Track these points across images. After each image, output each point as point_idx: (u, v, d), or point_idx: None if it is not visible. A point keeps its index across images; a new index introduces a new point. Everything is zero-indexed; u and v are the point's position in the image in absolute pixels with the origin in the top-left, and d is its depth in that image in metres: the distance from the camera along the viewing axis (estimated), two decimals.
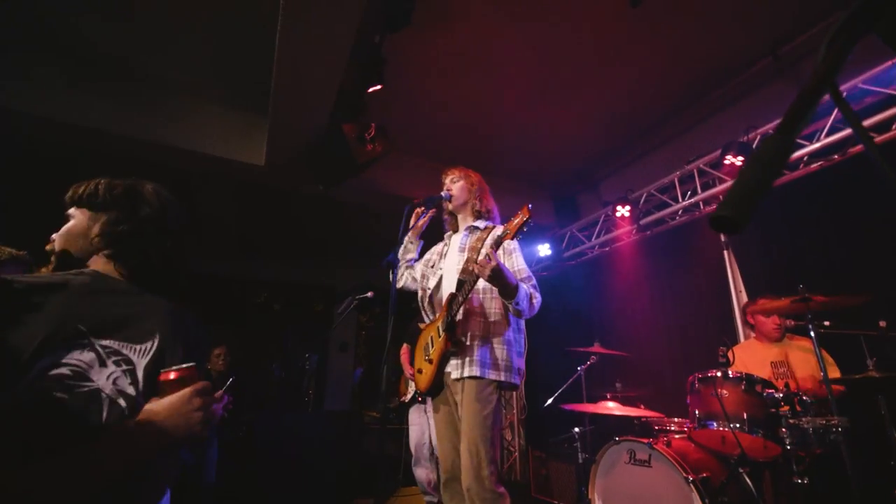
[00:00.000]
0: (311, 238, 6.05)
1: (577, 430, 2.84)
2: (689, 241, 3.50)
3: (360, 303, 3.48)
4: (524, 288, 1.81)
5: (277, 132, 3.56)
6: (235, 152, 3.86)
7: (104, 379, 0.77)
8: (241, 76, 3.54)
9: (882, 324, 1.91)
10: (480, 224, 2.20)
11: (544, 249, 4.58)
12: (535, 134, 4.25)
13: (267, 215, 5.18)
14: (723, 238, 3.43)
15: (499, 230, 2.08)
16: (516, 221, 1.75)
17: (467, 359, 1.87)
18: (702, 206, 3.39)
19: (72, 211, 0.99)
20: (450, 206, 2.25)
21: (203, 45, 3.24)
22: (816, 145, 2.64)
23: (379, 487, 3.73)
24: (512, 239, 1.81)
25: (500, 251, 1.97)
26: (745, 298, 3.20)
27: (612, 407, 2.57)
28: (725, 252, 3.39)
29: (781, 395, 1.89)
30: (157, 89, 3.60)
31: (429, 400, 3.36)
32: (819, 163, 2.69)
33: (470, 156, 4.60)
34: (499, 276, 1.70)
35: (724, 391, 1.97)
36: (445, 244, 2.29)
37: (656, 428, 2.57)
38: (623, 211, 3.67)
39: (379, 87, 3.17)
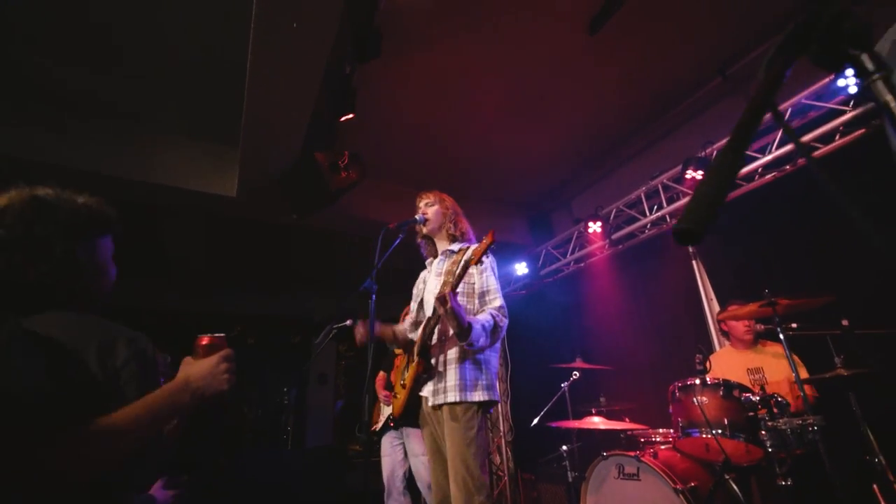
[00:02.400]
0: (285, 268, 5.94)
1: (564, 448, 2.82)
2: (660, 253, 3.61)
3: (338, 332, 3.41)
4: (478, 325, 1.79)
5: (249, 163, 3.54)
6: (205, 184, 3.79)
7: None
8: (209, 108, 3.52)
9: (845, 322, 2.00)
10: (455, 247, 2.22)
11: (521, 268, 4.64)
12: (506, 156, 4.36)
13: (239, 247, 5.07)
14: (690, 249, 3.56)
15: (472, 251, 2.11)
16: (480, 247, 1.78)
17: (444, 384, 1.85)
18: (668, 219, 3.52)
19: None
20: (425, 230, 2.26)
21: (169, 77, 3.22)
22: (768, 157, 2.80)
23: None
24: (478, 263, 1.83)
25: (471, 271, 1.99)
26: (716, 306, 3.31)
27: (597, 422, 2.57)
28: (694, 262, 3.51)
29: (758, 398, 1.94)
30: (120, 123, 3.54)
31: (403, 430, 3.28)
32: (773, 174, 2.85)
33: (444, 179, 4.66)
34: (452, 317, 1.71)
35: (704, 398, 2.00)
36: (427, 270, 2.30)
37: (642, 440, 2.58)
38: (595, 227, 3.77)
39: (351, 115, 3.20)
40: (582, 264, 4.22)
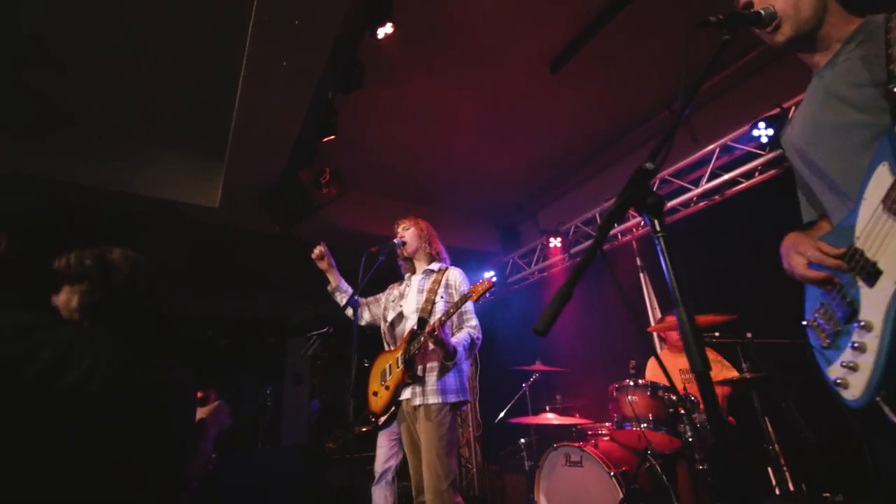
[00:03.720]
0: (261, 274, 6.09)
1: (522, 440, 3.20)
2: (613, 266, 4.03)
3: (320, 338, 3.66)
4: (461, 347, 2.14)
5: (233, 177, 3.73)
6: (189, 195, 3.95)
7: None
8: (195, 122, 3.67)
9: (748, 335, 2.43)
10: (434, 266, 2.52)
11: (490, 276, 4.99)
12: (477, 172, 4.69)
13: (217, 254, 5.21)
14: (638, 262, 3.99)
15: (452, 273, 2.44)
16: (481, 289, 2.08)
17: (425, 387, 2.16)
18: (619, 237, 3.94)
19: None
20: (404, 252, 2.55)
21: (157, 92, 3.35)
22: (699, 190, 3.26)
23: None
24: (477, 300, 2.15)
25: (442, 286, 2.32)
26: (659, 315, 3.75)
27: (550, 418, 2.95)
28: (641, 275, 3.94)
29: (675, 397, 2.35)
30: (105, 135, 3.65)
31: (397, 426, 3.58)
32: (704, 202, 3.31)
33: (420, 191, 4.98)
34: (440, 345, 2.04)
35: (635, 397, 2.40)
36: (406, 284, 2.58)
37: (589, 433, 2.97)
38: (555, 242, 4.17)
39: (332, 136, 3.45)
40: (545, 273, 4.61)
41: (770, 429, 2.44)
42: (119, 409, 0.88)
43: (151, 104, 3.44)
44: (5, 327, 0.66)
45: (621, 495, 2.21)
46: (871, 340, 0.88)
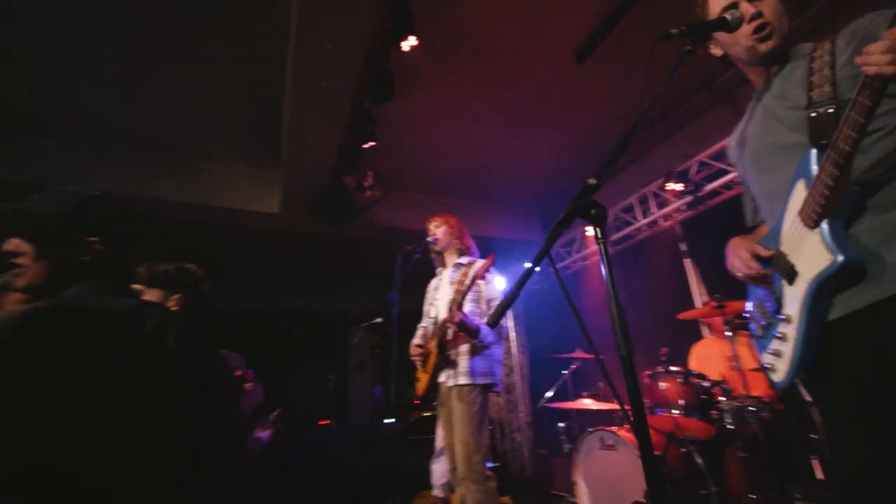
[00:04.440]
0: (321, 270, 6.61)
1: (561, 424, 3.31)
2: (655, 252, 3.96)
3: (371, 327, 3.99)
4: (484, 328, 2.32)
5: (290, 186, 4.14)
6: (252, 204, 4.43)
7: None
8: (253, 136, 4.10)
9: None
10: (464, 260, 2.71)
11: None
12: (516, 163, 4.77)
13: (283, 254, 5.75)
14: (683, 247, 3.89)
15: (478, 264, 2.61)
16: (483, 266, 2.26)
17: (457, 370, 2.36)
18: (660, 221, 3.85)
19: (141, 287, 1.47)
20: (437, 248, 2.76)
21: (218, 112, 3.79)
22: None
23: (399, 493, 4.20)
24: (483, 279, 2.32)
25: (478, 282, 2.50)
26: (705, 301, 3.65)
27: (588, 403, 3.03)
28: (685, 261, 3.85)
29: (709, 384, 2.35)
30: (178, 154, 4.20)
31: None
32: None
33: (460, 186, 5.15)
34: (462, 326, 2.24)
35: (666, 383, 2.43)
36: (439, 279, 2.79)
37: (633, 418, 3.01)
38: (591, 231, 4.15)
39: (373, 143, 3.71)
40: (587, 262, 4.61)
41: (819, 418, 2.37)
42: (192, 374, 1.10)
43: (217, 123, 3.91)
44: (139, 308, 0.90)
45: None
46: (791, 331, 0.99)
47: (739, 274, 1.13)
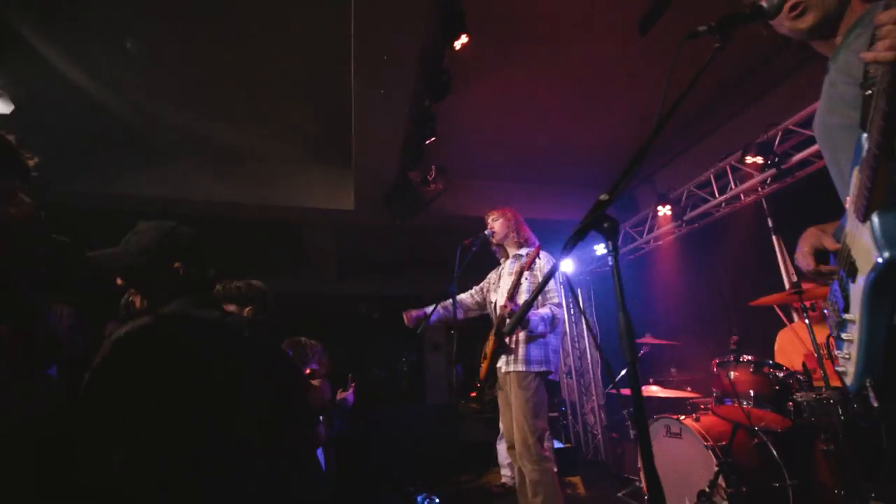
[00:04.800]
0: (398, 257, 7.02)
1: (625, 411, 3.29)
2: (735, 230, 3.68)
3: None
4: (535, 317, 2.39)
5: (360, 183, 4.48)
6: (330, 202, 4.86)
7: None
8: (327, 142, 4.47)
9: None
10: (522, 251, 2.79)
11: (600, 249, 4.95)
12: (581, 143, 4.65)
13: (361, 245, 6.21)
14: (770, 223, 3.57)
15: (544, 260, 2.69)
16: (527, 260, 2.35)
17: (513, 356, 2.49)
18: (742, 197, 3.56)
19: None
20: (494, 240, 2.87)
21: (296, 124, 4.21)
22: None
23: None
24: (529, 269, 2.41)
25: (529, 270, 2.59)
26: (794, 280, 3.34)
27: (655, 390, 3.00)
28: (774, 238, 3.53)
29: (783, 373, 2.21)
30: (266, 164, 4.72)
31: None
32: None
33: (523, 171, 5.15)
34: (514, 318, 2.32)
35: (736, 373, 2.34)
36: (501, 267, 2.92)
37: (702, 406, 2.93)
38: (664, 210, 3.95)
39: (433, 139, 3.88)
40: (660, 242, 4.40)
41: None
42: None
43: (296, 134, 4.34)
44: (235, 322, 1.19)
45: (716, 467, 2.24)
46: (855, 333, 0.94)
47: (803, 271, 1.09)
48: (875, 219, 0.84)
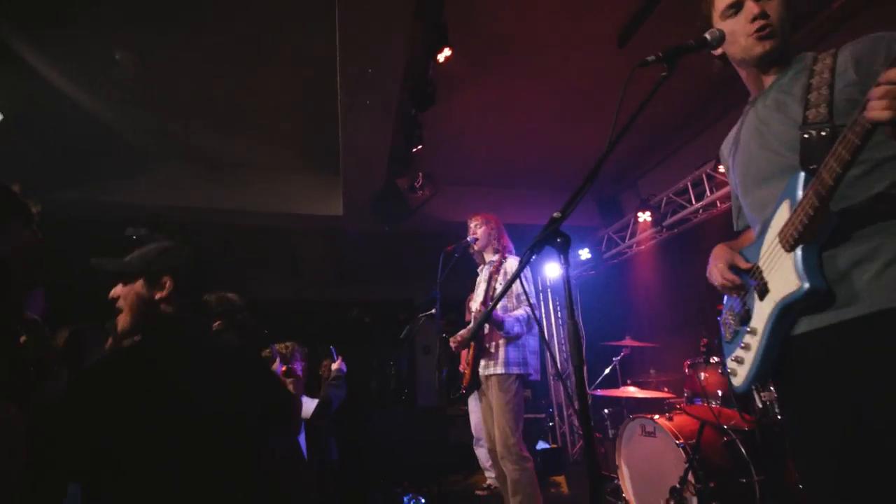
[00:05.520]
0: (388, 262, 7.09)
1: (606, 411, 3.40)
2: (711, 236, 3.80)
3: (427, 318, 4.31)
4: (510, 319, 2.48)
5: (348, 190, 4.56)
6: (319, 208, 4.93)
7: None
8: (316, 150, 4.54)
9: None
10: (495, 258, 2.89)
11: (584, 253, 5.06)
12: (565, 150, 4.77)
13: (351, 250, 6.28)
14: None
15: (507, 261, 2.79)
16: (495, 264, 2.46)
17: (492, 360, 2.58)
18: (718, 204, 3.69)
19: None
20: (476, 248, 2.96)
21: (286, 132, 4.28)
22: None
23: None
24: (497, 273, 2.51)
25: (501, 275, 2.69)
26: None
27: (632, 391, 3.10)
28: None
29: None
30: (254, 171, 4.78)
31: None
32: None
33: (511, 177, 5.26)
34: (488, 319, 2.42)
35: (705, 374, 2.45)
36: (479, 276, 3.01)
37: (676, 406, 3.04)
38: (644, 216, 4.07)
39: (420, 147, 3.97)
40: (641, 247, 4.52)
41: None
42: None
43: (286, 142, 4.41)
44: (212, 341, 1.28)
45: (685, 464, 2.35)
46: (754, 343, 1.06)
47: (716, 284, 1.20)
48: (799, 252, 0.94)
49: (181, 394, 1.07)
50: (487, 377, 2.60)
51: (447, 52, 3.01)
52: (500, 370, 2.53)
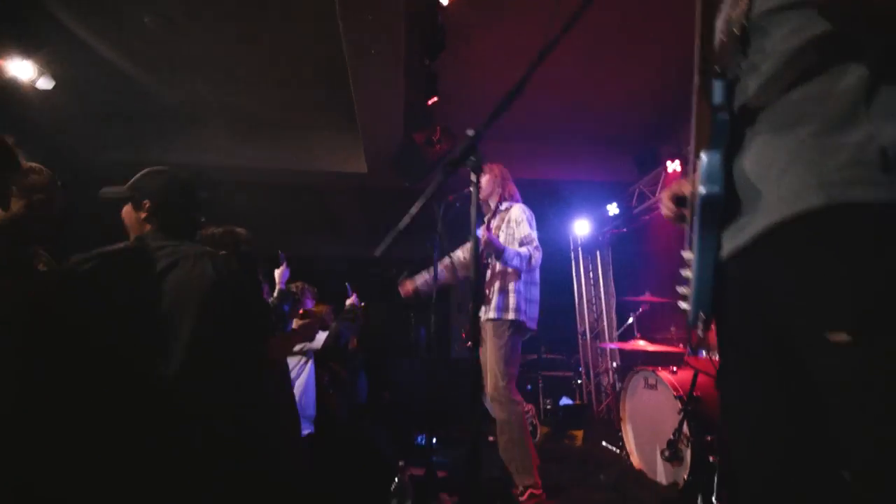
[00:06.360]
0: (419, 219, 7.18)
1: (614, 364, 3.33)
2: None
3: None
4: (511, 250, 2.47)
5: (369, 147, 4.61)
6: (345, 165, 5.06)
7: None
8: (339, 106, 4.60)
9: None
10: (503, 206, 2.85)
11: (612, 209, 4.82)
12: (598, 100, 4.48)
13: (379, 206, 6.40)
14: None
15: (514, 208, 2.75)
16: (504, 213, 2.42)
17: (490, 306, 2.60)
18: None
19: None
20: (480, 197, 2.92)
21: (308, 90, 4.37)
22: None
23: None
24: (505, 223, 2.47)
25: (504, 223, 2.65)
26: None
27: (641, 345, 3.01)
28: None
29: None
30: (286, 130, 4.95)
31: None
32: None
33: (535, 129, 5.05)
34: (489, 246, 2.41)
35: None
36: (486, 224, 2.99)
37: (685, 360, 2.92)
38: (673, 166, 3.78)
39: (435, 98, 3.90)
40: None
41: None
42: None
43: (309, 100, 4.51)
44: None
45: (679, 415, 2.28)
46: (691, 272, 0.98)
47: (665, 216, 1.12)
48: (703, 156, 0.86)
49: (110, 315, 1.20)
50: (484, 323, 2.63)
51: None
52: (493, 315, 2.56)
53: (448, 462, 3.18)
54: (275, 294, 2.49)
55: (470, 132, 1.08)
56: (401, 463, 1.88)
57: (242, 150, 4.86)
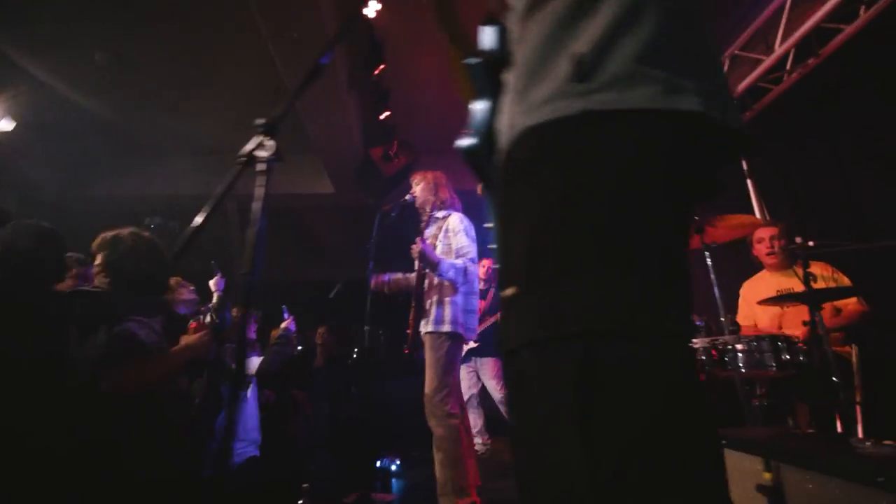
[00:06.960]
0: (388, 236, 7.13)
1: None
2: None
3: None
4: (447, 262, 2.37)
5: (329, 167, 4.62)
6: (311, 187, 5.07)
7: None
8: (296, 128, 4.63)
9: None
10: (440, 214, 2.77)
11: None
12: None
13: (347, 225, 6.38)
14: (744, 166, 3.24)
15: (452, 219, 2.66)
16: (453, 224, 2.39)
17: (427, 319, 2.50)
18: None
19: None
20: (417, 205, 2.86)
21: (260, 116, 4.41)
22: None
23: None
24: (442, 231, 2.40)
25: (442, 232, 2.57)
26: None
27: None
28: (748, 181, 3.20)
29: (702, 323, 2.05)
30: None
31: (476, 360, 4.01)
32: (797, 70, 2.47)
33: None
34: (422, 258, 2.32)
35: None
36: (420, 234, 2.91)
37: None
38: None
39: (388, 113, 3.91)
40: None
41: None
42: None
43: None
44: None
45: None
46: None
47: None
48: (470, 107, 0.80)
49: None
50: (424, 336, 2.52)
51: (377, 4, 2.91)
52: (430, 328, 2.45)
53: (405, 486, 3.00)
54: (213, 301, 2.52)
55: (260, 120, 1.01)
56: (304, 485, 1.75)
57: (206, 177, 4.91)
